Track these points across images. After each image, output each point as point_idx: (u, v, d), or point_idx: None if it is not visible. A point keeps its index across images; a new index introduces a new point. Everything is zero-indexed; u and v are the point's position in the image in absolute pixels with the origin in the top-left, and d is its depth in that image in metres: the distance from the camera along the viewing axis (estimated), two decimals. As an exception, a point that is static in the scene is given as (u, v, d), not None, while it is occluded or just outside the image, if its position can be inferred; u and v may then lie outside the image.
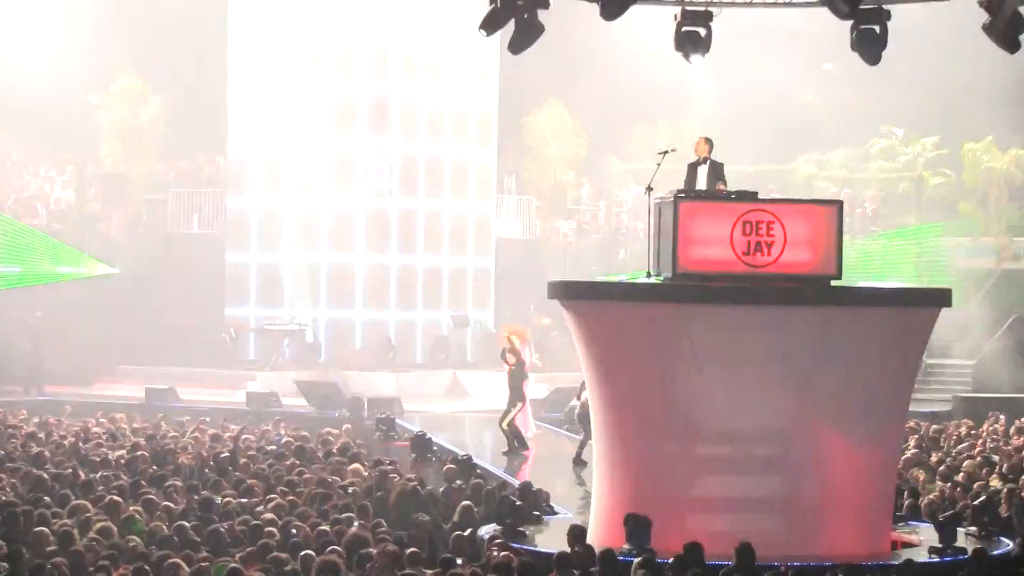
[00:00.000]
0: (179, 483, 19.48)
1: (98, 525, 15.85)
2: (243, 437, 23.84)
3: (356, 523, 16.66)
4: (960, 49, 31.74)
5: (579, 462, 23.05)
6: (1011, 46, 18.96)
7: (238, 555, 14.88)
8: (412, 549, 15.07)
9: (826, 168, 36.49)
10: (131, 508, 17.16)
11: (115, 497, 17.50)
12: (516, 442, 24.65)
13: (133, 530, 15.98)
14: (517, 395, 25.41)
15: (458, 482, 20.65)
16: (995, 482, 20.96)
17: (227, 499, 18.31)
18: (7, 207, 36.77)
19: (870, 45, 19.27)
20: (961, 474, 21.37)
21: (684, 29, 18.92)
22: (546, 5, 17.75)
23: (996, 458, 22.96)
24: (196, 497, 18.47)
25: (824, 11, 18.37)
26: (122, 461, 21.31)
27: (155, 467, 20.94)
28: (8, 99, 36.24)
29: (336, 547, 15.15)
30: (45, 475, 19.31)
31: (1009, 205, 39.18)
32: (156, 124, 39.99)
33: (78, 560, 14.20)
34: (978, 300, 34.77)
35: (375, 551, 14.81)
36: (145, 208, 40.18)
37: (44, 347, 34.43)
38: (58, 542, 14.96)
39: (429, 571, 14.39)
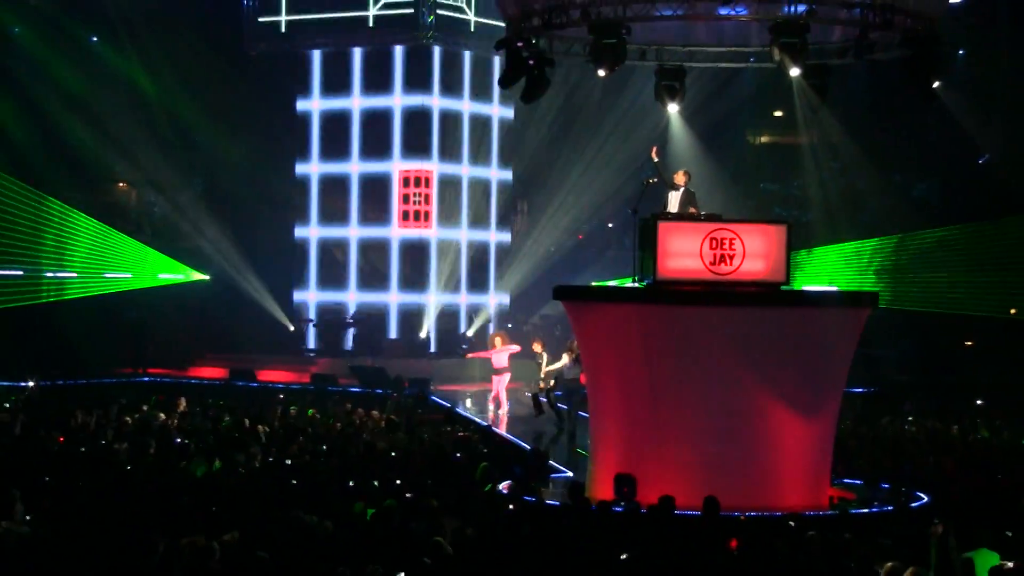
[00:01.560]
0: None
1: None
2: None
3: (398, 480, 16.71)
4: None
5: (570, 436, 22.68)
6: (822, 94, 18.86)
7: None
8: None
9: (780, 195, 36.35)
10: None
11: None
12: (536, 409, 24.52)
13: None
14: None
15: (480, 447, 20.72)
16: (916, 448, 21.12)
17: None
18: (120, 225, 36.47)
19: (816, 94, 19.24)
20: (882, 440, 21.59)
21: (662, 83, 18.96)
22: (552, 64, 17.80)
23: (914, 430, 23.10)
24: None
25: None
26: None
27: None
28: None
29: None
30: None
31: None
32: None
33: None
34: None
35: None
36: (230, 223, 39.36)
37: (148, 338, 34.61)
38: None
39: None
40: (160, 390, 28.68)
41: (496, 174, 37.11)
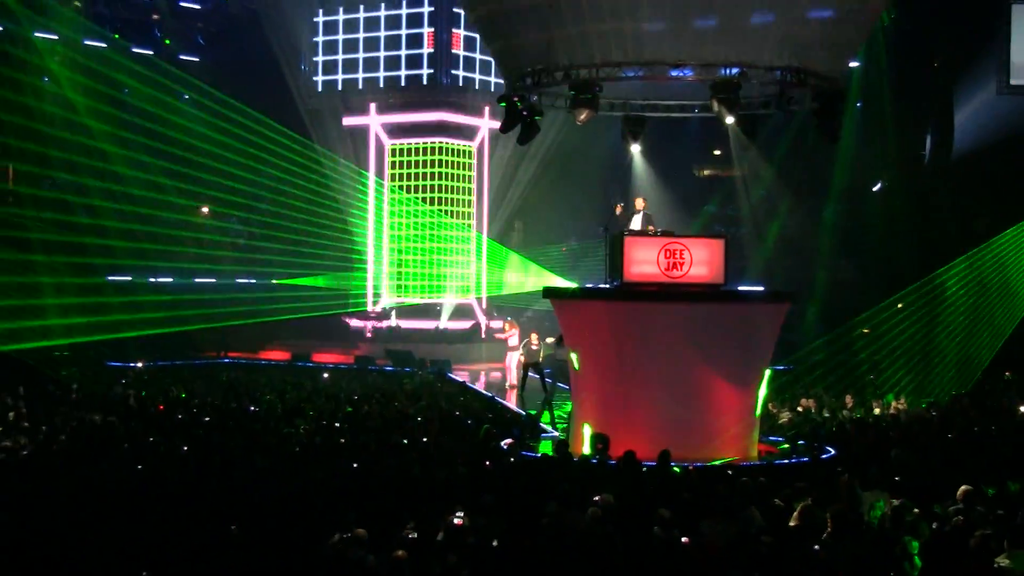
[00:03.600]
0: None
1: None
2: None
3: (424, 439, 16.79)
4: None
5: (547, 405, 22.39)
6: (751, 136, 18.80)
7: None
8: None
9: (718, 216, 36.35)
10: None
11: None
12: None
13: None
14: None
15: (487, 413, 20.73)
16: (825, 413, 21.15)
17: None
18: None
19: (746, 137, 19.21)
20: (800, 407, 21.58)
21: (627, 129, 18.97)
22: (541, 114, 17.82)
23: (825, 398, 23.10)
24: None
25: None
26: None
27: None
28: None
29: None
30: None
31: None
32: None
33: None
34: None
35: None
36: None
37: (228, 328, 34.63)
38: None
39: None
40: (237, 369, 28.75)
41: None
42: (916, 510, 11.72)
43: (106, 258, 33.67)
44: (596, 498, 11.84)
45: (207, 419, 18.52)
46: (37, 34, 34.10)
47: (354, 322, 35.95)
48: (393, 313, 35.10)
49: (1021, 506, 11.66)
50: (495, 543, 10.36)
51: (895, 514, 11.49)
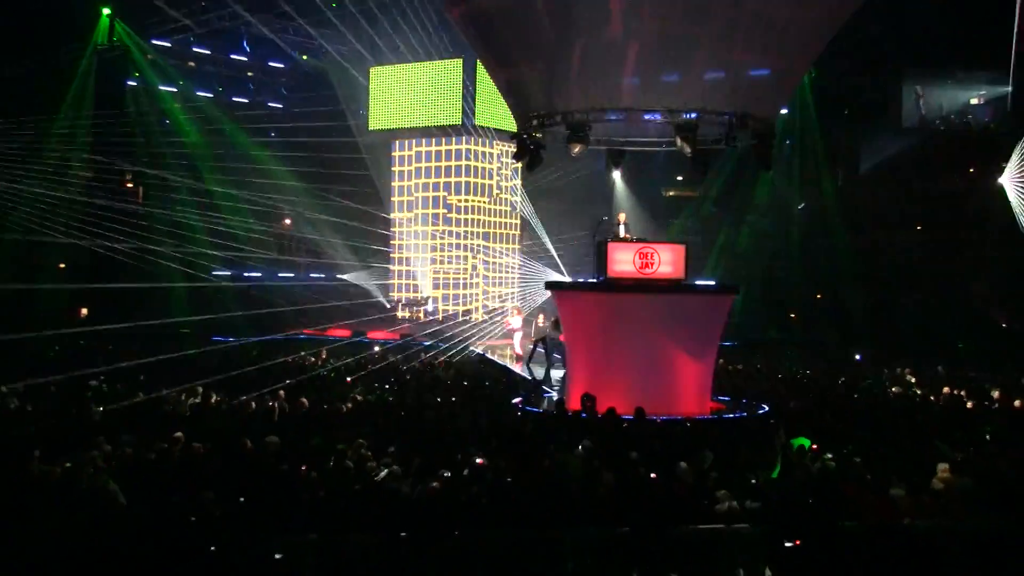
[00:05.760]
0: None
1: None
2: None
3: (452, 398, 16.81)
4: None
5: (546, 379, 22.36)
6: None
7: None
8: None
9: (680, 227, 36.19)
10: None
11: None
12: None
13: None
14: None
15: (502, 378, 20.74)
16: (759, 379, 21.11)
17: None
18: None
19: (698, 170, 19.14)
20: (743, 373, 21.58)
21: (610, 159, 18.81)
22: (544, 148, 17.66)
23: (760, 366, 23.04)
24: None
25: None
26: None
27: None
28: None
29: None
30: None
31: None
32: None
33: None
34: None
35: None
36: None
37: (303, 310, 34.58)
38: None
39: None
40: (311, 344, 28.67)
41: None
42: (814, 447, 11.83)
43: (209, 259, 33.85)
44: (584, 442, 11.84)
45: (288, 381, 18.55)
46: (161, 87, 34.24)
47: (401, 308, 35.88)
48: (430, 300, 34.94)
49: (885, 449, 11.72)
50: (508, 479, 10.33)
51: (801, 452, 11.62)
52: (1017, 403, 16.54)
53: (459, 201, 34.13)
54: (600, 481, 10.27)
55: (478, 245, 33.87)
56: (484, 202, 34.26)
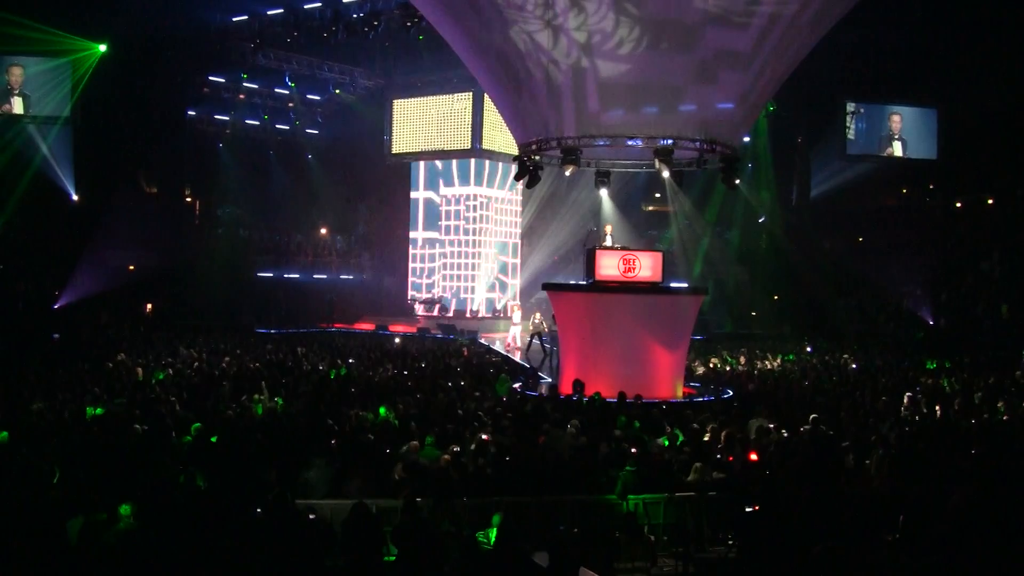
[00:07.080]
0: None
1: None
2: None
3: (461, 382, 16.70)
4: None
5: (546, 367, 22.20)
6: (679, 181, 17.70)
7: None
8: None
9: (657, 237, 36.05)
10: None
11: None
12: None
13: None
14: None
15: (504, 366, 20.58)
16: (727, 368, 21.01)
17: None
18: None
19: (677, 184, 19.01)
20: (712, 363, 21.47)
21: (598, 178, 18.69)
22: (542, 168, 17.64)
23: (727, 355, 22.95)
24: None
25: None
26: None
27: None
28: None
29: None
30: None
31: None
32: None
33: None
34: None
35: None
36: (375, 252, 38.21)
37: (334, 305, 34.49)
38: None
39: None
40: (340, 336, 28.63)
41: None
42: (773, 426, 11.78)
43: (254, 261, 33.84)
44: (574, 420, 11.82)
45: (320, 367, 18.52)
46: (216, 116, 34.23)
47: (417, 305, 35.71)
48: (444, 298, 34.86)
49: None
50: (509, 453, 10.31)
51: (762, 431, 11.47)
52: (930, 382, 16.84)
53: (470, 214, 34.04)
54: (586, 453, 10.28)
55: (486, 252, 33.75)
56: (491, 216, 34.16)
